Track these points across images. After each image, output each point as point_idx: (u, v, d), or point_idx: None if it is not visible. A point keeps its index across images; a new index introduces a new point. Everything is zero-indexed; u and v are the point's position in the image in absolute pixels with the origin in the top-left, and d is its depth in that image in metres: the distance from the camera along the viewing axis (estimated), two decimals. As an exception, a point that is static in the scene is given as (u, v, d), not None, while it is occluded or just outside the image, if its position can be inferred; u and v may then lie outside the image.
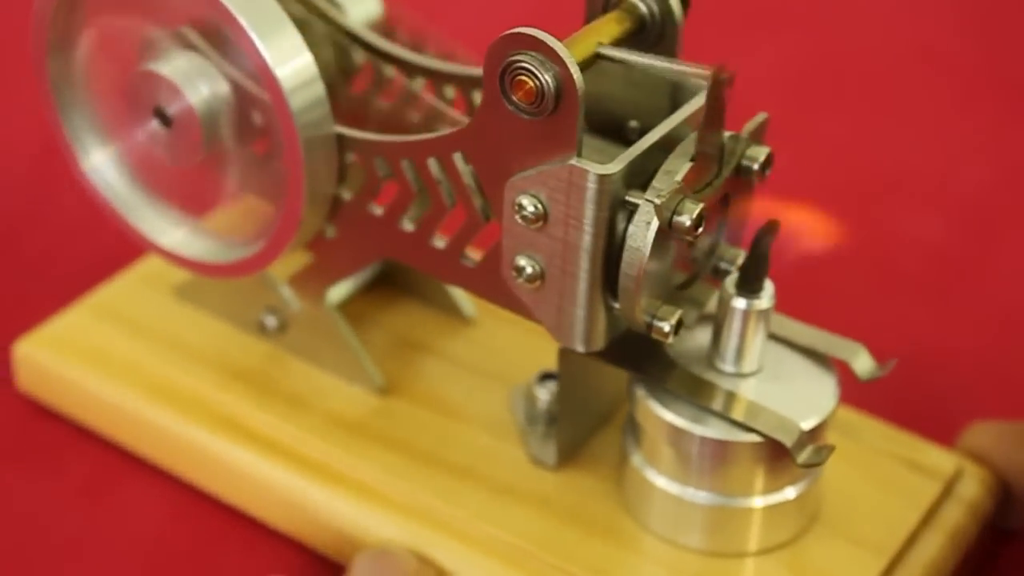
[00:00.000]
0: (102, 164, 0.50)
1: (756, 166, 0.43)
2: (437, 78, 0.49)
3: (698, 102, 0.44)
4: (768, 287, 0.44)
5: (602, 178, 0.41)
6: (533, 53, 0.41)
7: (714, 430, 0.44)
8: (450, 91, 0.49)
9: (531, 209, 0.42)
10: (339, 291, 0.53)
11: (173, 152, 0.47)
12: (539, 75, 0.41)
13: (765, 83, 0.72)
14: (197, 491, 0.50)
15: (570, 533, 0.46)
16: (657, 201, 0.41)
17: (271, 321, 0.51)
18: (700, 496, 0.45)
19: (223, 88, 0.46)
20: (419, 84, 0.50)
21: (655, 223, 0.41)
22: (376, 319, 0.53)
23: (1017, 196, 0.66)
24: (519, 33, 0.41)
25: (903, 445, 0.49)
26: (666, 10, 0.44)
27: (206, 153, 0.47)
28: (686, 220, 0.41)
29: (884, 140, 0.69)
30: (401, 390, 0.51)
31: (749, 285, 0.44)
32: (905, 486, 0.48)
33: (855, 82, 0.73)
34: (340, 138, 0.46)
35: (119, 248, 0.54)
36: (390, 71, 0.50)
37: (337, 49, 0.50)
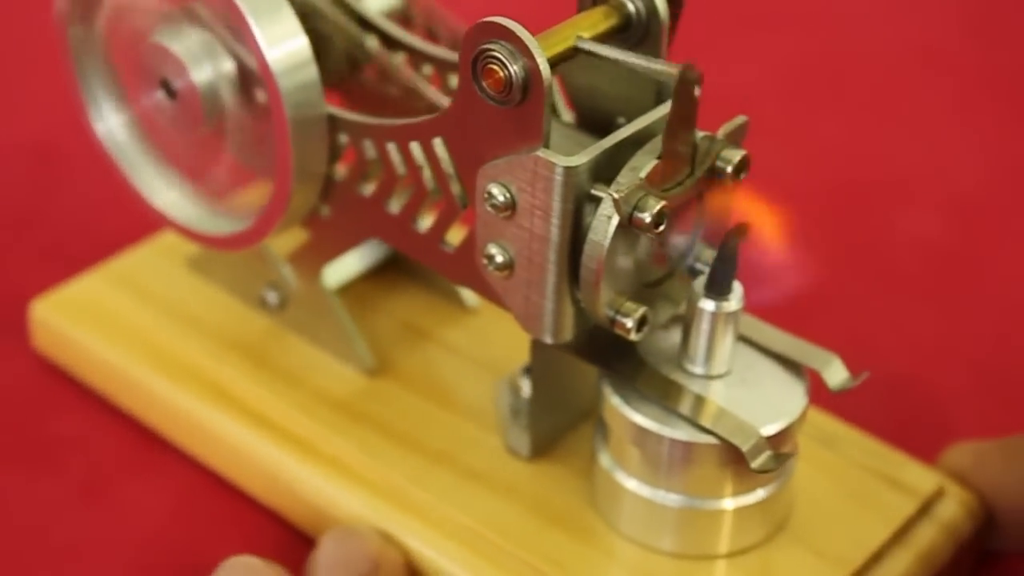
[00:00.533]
0: (113, 126, 0.52)
1: (729, 168, 0.43)
2: (441, 66, 0.50)
3: None
4: (737, 289, 0.44)
5: (567, 170, 0.41)
6: (504, 43, 0.41)
7: (676, 431, 0.44)
8: (455, 80, 0.50)
9: (500, 198, 0.43)
10: (341, 273, 0.54)
11: (176, 122, 0.49)
12: (508, 65, 0.41)
13: (764, 83, 0.71)
14: (196, 485, 0.51)
15: (533, 524, 0.47)
16: (615, 195, 0.41)
17: (272, 297, 0.52)
18: (663, 496, 0.45)
19: (227, 66, 0.48)
20: (427, 72, 0.50)
21: (616, 217, 0.42)
22: (379, 303, 0.54)
23: (1017, 197, 0.65)
24: (491, 22, 0.41)
25: (884, 460, 0.49)
26: (652, 9, 0.44)
27: (207, 127, 0.48)
28: (646, 217, 0.41)
29: (883, 140, 0.69)
30: (392, 373, 0.51)
31: (716, 287, 0.44)
32: (879, 501, 0.47)
33: (854, 82, 0.72)
34: (331, 119, 0.47)
35: (145, 219, 0.55)
36: (399, 59, 0.51)
37: (351, 35, 0.51)
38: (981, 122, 0.70)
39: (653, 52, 0.45)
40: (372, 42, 0.51)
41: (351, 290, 0.54)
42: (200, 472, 0.51)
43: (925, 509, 0.48)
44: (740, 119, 0.44)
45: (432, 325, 0.53)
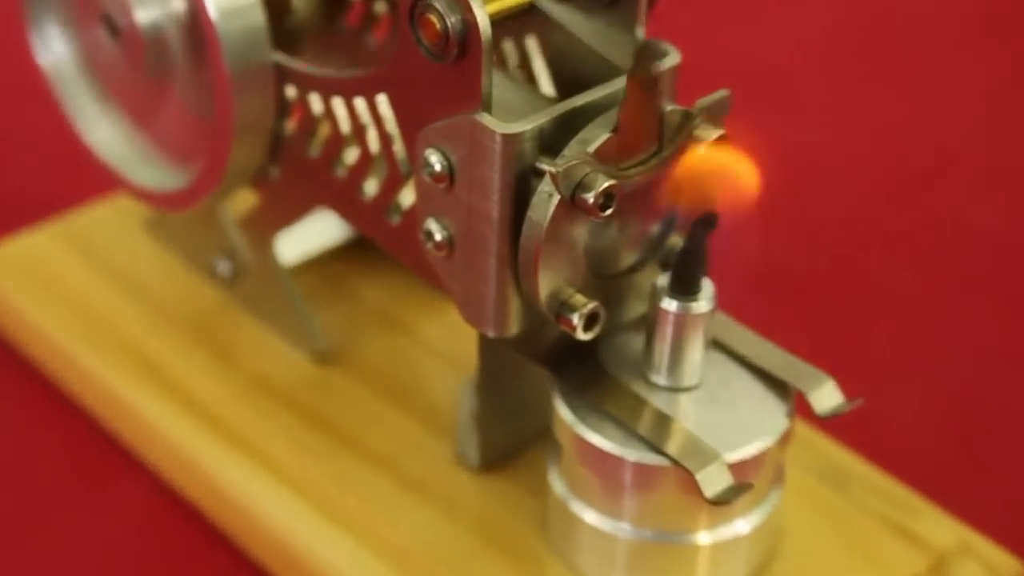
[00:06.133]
0: (59, 56, 0.55)
1: (702, 148, 0.44)
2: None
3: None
4: (707, 288, 0.45)
5: (506, 138, 0.43)
6: (442, -10, 0.43)
7: (630, 451, 0.45)
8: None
9: (438, 166, 0.45)
10: (306, 246, 0.56)
11: (120, 62, 0.52)
12: (445, 17, 0.43)
13: (803, 53, 0.72)
14: (151, 507, 0.53)
15: (473, 546, 0.48)
16: (553, 170, 0.42)
17: (224, 267, 0.55)
18: (616, 527, 0.46)
19: (177, 7, 0.50)
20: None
21: (556, 195, 0.43)
22: (351, 284, 0.57)
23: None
24: (428, -33, 0.43)
25: (899, 505, 0.50)
26: (625, -34, 0.46)
27: (151, 72, 0.51)
28: (590, 197, 0.42)
29: (935, 117, 0.69)
30: (346, 362, 0.54)
31: (681, 285, 0.45)
32: (884, 554, 0.48)
33: (904, 52, 0.73)
34: (279, 69, 0.50)
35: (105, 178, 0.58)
36: (381, 7, 0.53)
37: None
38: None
39: (628, 16, 0.46)
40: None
41: (320, 267, 0.57)
42: (155, 494, 0.54)
43: (939, 568, 0.48)
44: (721, 92, 0.44)
45: (406, 313, 0.56)
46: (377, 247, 0.52)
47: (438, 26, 0.43)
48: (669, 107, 0.44)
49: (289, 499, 0.50)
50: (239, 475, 0.51)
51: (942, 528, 0.49)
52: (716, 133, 0.44)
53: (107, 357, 0.54)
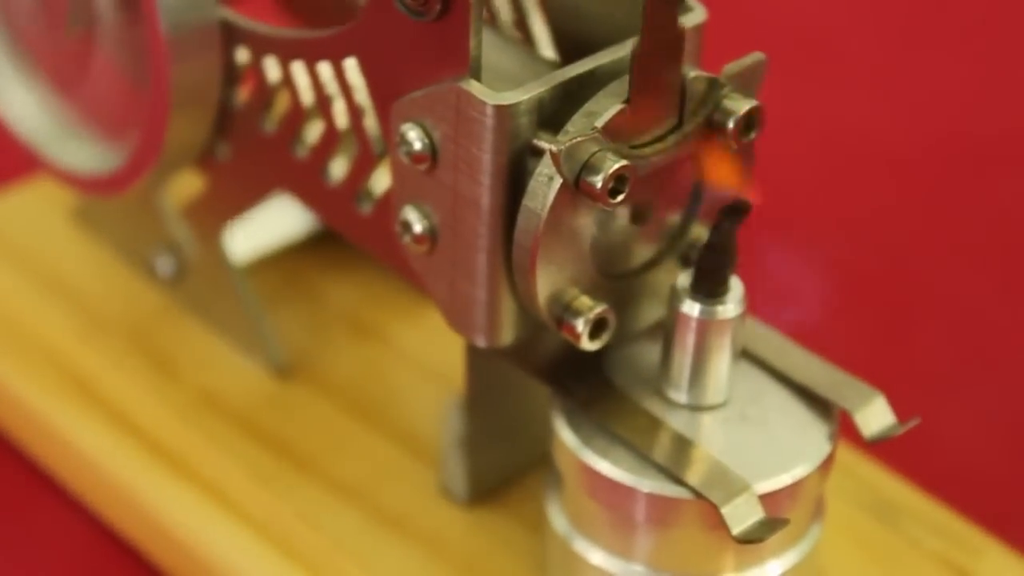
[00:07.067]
0: None
1: (731, 123, 0.42)
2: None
3: None
4: (735, 288, 0.43)
5: (499, 111, 0.41)
6: (421, -68, 0.41)
7: (645, 481, 0.43)
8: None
9: (417, 144, 0.43)
10: (262, 240, 0.55)
11: (38, 16, 0.50)
12: (426, -38, 0.41)
13: (853, 10, 0.70)
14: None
15: (459, 593, 0.47)
16: (554, 148, 0.40)
17: (166, 265, 0.53)
18: (616, 566, 0.45)
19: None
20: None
21: (557, 179, 0.41)
22: (315, 284, 0.55)
23: None
24: (404, -92, 0.41)
25: (957, 542, 0.49)
26: None
27: (75, 28, 0.50)
28: (598, 181, 0.40)
29: (1006, 87, 0.68)
30: (310, 376, 0.52)
31: (706, 285, 0.43)
32: (942, 600, 0.47)
33: (968, 9, 0.72)
34: (227, 28, 0.47)
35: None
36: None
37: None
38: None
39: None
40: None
41: (279, 264, 0.55)
42: (87, 532, 0.52)
43: (1005, 615, 0.47)
44: (754, 57, 0.42)
45: (379, 319, 0.54)
46: (345, 241, 0.51)
47: (416, -26, 0.41)
48: (692, 73, 0.42)
49: (244, 537, 0.49)
50: (185, 510, 0.49)
51: (1007, 570, 0.48)
52: (748, 104, 0.42)
53: (28, 371, 0.53)
